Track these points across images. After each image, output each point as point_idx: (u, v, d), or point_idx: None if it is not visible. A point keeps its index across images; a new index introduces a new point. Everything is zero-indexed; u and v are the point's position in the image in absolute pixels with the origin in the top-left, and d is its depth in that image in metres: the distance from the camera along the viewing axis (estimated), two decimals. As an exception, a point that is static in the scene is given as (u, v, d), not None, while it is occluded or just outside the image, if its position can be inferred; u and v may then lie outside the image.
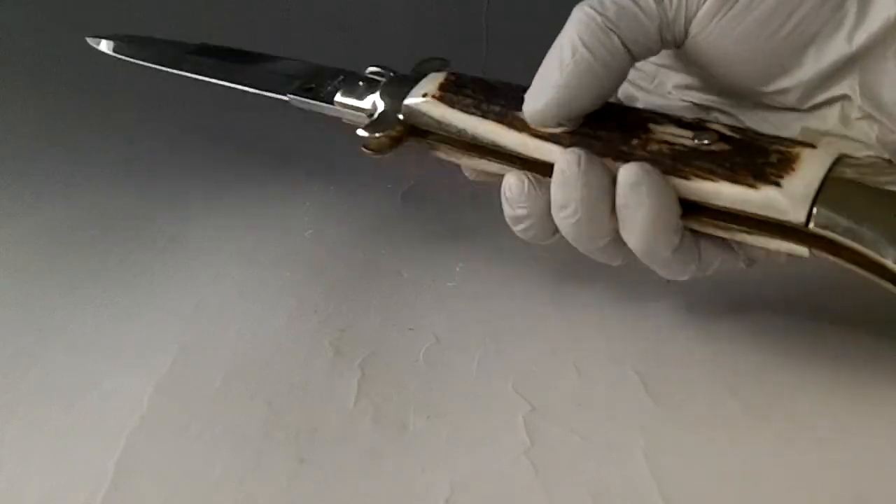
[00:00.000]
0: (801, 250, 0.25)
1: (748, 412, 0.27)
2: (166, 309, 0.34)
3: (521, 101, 0.28)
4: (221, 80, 0.38)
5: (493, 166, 0.30)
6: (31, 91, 0.61)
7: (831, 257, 0.24)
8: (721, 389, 0.28)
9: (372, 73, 0.33)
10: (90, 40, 0.44)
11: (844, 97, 0.26)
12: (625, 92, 0.31)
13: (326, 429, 0.27)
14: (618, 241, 0.27)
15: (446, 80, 0.30)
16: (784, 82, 0.26)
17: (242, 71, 0.38)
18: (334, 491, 0.25)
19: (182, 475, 0.25)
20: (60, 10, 0.70)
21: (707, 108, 0.29)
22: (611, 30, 0.25)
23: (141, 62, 0.42)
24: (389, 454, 0.26)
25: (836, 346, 0.30)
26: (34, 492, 0.25)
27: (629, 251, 0.27)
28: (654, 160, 0.25)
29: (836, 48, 0.25)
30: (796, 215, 0.24)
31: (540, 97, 0.27)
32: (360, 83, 0.33)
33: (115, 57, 0.44)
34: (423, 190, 0.45)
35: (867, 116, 0.25)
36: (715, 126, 0.26)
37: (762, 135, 0.26)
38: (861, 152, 0.25)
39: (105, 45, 0.44)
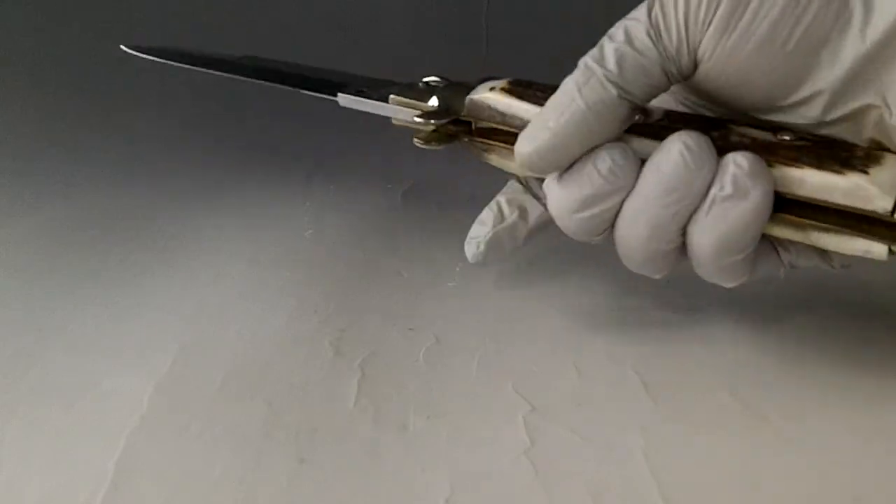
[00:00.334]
0: (880, 249, 0.24)
1: (748, 412, 0.27)
2: (166, 309, 0.34)
3: None
4: (272, 82, 0.36)
5: None
6: (31, 91, 0.61)
7: None
8: (721, 389, 0.28)
9: (428, 81, 0.33)
10: (126, 48, 0.42)
11: (872, 106, 0.25)
12: None
13: (326, 429, 0.27)
14: (681, 247, 0.26)
15: (512, 79, 0.30)
16: (804, 90, 0.25)
17: (291, 76, 0.36)
18: (334, 491, 0.25)
19: (182, 475, 0.25)
20: (60, 10, 0.70)
21: None
22: (611, 82, 0.24)
23: (183, 65, 0.39)
24: (389, 454, 0.26)
25: (837, 346, 0.30)
26: (34, 492, 0.25)
27: (679, 260, 0.26)
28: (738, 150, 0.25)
29: (851, 46, 0.24)
30: (883, 203, 0.23)
31: (534, 138, 0.26)
32: (417, 86, 0.33)
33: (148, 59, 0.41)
34: (423, 190, 0.45)
35: None
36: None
37: (840, 139, 0.25)
38: None
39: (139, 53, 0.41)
